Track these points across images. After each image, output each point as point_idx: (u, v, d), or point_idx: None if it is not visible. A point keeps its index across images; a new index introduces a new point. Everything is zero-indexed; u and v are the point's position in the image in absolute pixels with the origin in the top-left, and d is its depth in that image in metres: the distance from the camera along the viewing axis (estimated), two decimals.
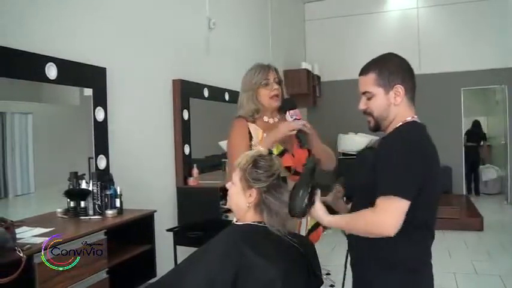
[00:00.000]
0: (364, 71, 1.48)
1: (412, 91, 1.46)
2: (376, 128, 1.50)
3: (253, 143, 1.92)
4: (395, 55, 1.49)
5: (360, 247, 1.48)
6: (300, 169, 1.90)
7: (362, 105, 1.49)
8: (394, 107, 1.44)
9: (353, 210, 1.50)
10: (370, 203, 1.33)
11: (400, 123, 1.43)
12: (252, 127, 1.95)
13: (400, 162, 1.30)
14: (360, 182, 1.50)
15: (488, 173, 8.02)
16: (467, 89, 7.00)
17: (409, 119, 1.44)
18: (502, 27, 6.53)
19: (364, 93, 1.47)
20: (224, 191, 1.55)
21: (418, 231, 1.34)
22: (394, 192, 1.27)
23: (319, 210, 1.43)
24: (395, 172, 1.30)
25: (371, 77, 1.44)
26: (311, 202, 1.42)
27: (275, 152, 1.83)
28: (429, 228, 1.43)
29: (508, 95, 6.71)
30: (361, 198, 1.46)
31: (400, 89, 1.43)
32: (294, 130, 1.84)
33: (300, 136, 1.84)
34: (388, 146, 1.38)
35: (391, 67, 1.44)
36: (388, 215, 1.27)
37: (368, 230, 1.33)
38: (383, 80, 1.43)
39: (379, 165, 1.34)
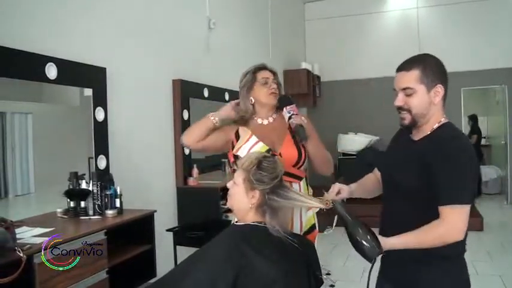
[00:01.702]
0: (405, 67, 1.44)
1: (446, 94, 1.46)
2: (411, 125, 1.46)
3: (238, 144, 1.91)
4: (434, 56, 1.47)
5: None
6: (291, 170, 1.84)
7: (400, 102, 1.44)
8: (433, 106, 1.44)
9: (386, 209, 1.54)
10: (414, 205, 1.39)
11: (437, 125, 1.45)
12: (241, 129, 1.95)
13: (466, 171, 1.35)
14: (402, 183, 1.46)
15: (488, 173, 8.02)
16: (467, 89, 6.98)
17: (443, 120, 1.47)
18: (502, 27, 6.52)
19: (404, 89, 1.43)
20: (224, 191, 1.54)
21: None
22: (465, 201, 1.33)
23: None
24: (464, 182, 1.34)
25: (415, 73, 1.41)
26: (372, 233, 1.35)
27: (261, 151, 1.81)
28: None
29: (508, 95, 6.69)
30: (399, 198, 1.46)
31: (440, 89, 1.43)
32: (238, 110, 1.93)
33: (299, 130, 1.80)
34: (450, 155, 1.36)
35: (434, 67, 1.43)
36: (460, 223, 1.32)
37: (439, 242, 1.34)
38: (426, 78, 1.41)
39: (445, 173, 1.34)
